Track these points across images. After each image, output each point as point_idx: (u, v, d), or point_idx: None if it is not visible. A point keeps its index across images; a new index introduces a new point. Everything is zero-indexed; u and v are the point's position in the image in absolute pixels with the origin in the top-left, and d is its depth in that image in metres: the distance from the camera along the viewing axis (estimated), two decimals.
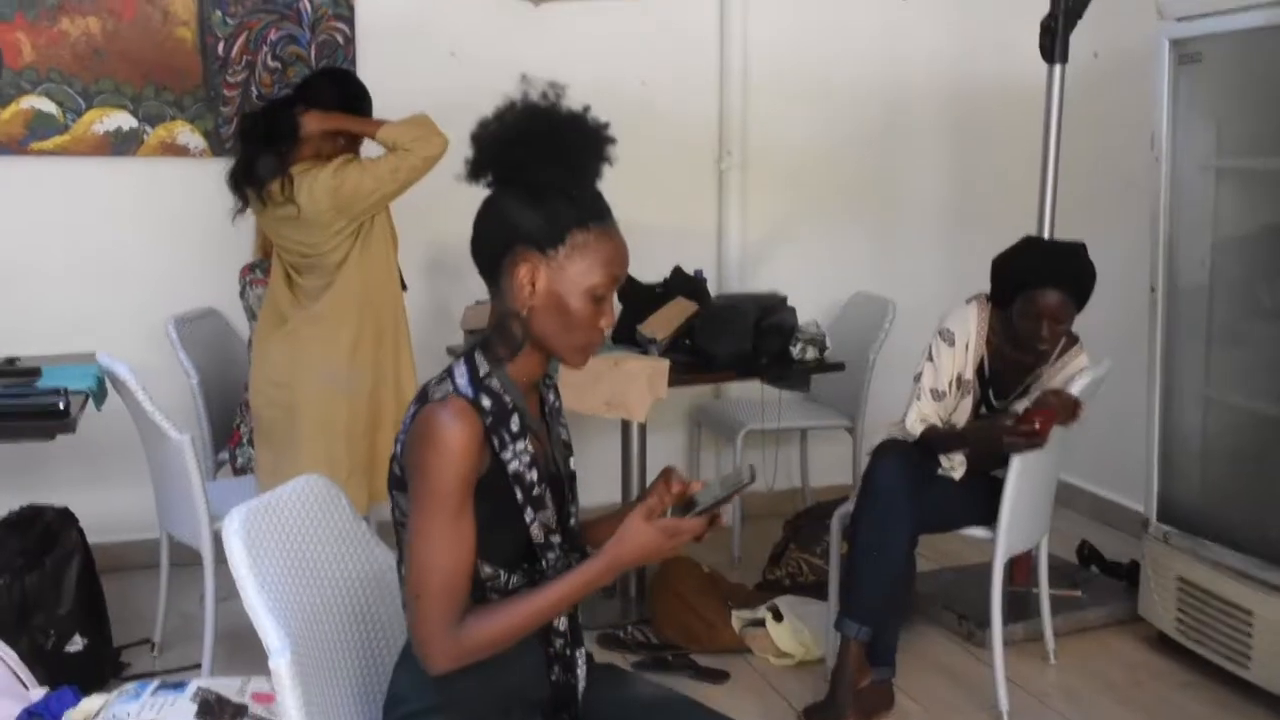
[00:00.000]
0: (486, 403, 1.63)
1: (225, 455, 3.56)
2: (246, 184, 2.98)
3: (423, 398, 1.65)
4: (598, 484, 4.08)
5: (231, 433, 3.56)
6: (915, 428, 3.00)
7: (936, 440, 3.00)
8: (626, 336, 3.65)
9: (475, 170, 1.67)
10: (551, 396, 1.84)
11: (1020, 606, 3.46)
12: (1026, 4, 3.65)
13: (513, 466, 1.65)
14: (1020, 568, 3.57)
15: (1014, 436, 2.79)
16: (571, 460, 1.83)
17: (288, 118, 2.98)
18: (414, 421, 1.62)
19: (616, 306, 3.63)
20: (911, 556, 2.98)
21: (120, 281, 3.86)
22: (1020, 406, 2.99)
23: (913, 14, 4.54)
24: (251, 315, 3.50)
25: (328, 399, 3.03)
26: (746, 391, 4.17)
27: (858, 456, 4.03)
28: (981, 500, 2.98)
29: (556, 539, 1.72)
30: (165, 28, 3.76)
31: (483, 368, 1.67)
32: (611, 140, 1.67)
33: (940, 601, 3.59)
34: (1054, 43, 3.47)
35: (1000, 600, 3.00)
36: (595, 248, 1.64)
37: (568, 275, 1.63)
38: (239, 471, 3.50)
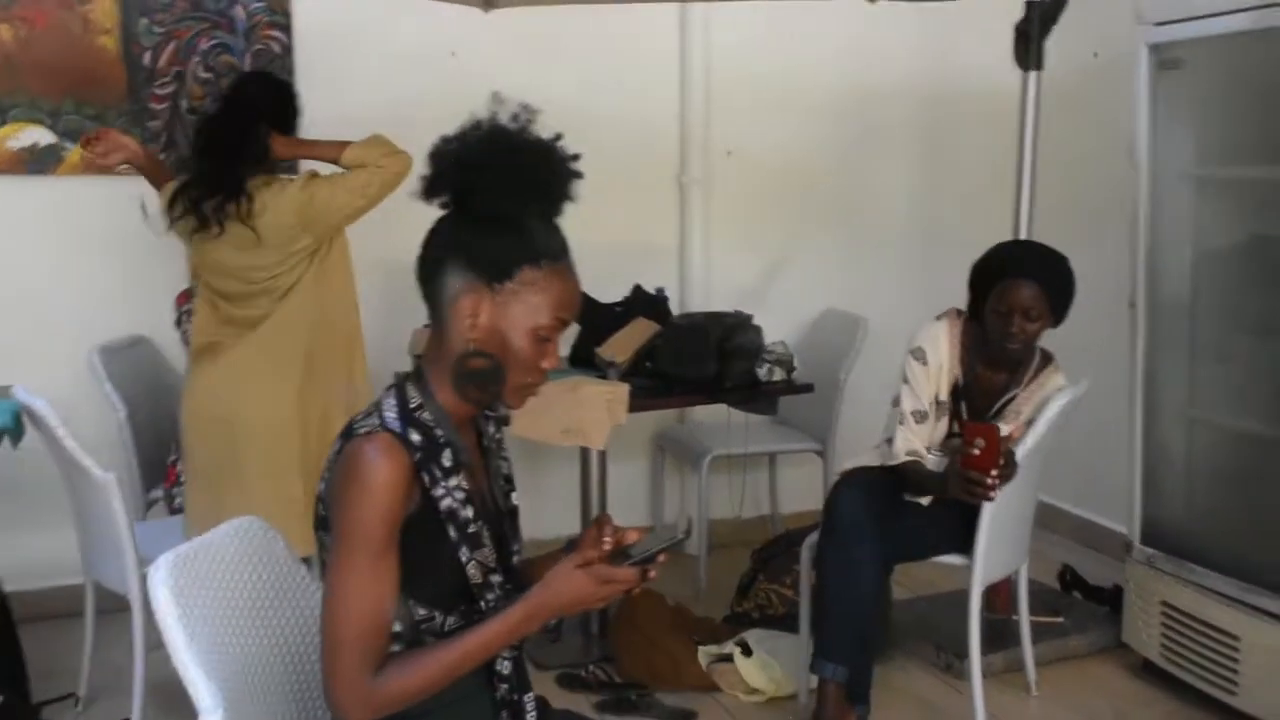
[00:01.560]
0: (415, 437, 1.62)
1: (158, 494, 3.51)
2: (207, 201, 2.93)
3: (348, 432, 1.63)
4: (556, 515, 4.10)
5: (166, 470, 3.50)
6: (901, 456, 3.01)
7: (908, 477, 3.01)
8: (585, 359, 3.64)
9: (431, 189, 1.66)
10: (491, 428, 1.83)
11: (1000, 635, 3.46)
12: (1001, 8, 3.67)
13: (445, 504, 1.63)
14: (999, 595, 3.57)
15: (968, 484, 2.76)
16: (513, 495, 1.83)
17: (254, 137, 2.98)
18: (337, 458, 1.61)
19: (573, 327, 3.69)
20: (884, 587, 2.97)
21: (39, 309, 3.78)
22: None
23: (882, 18, 4.53)
24: (188, 344, 3.43)
25: (277, 433, 2.98)
26: (712, 415, 4.16)
27: (829, 481, 4.01)
28: (955, 525, 2.99)
29: (497, 578, 1.70)
30: (85, 36, 3.69)
31: (414, 399, 1.66)
32: (579, 175, 1.66)
33: (917, 632, 3.59)
34: (1029, 48, 3.49)
35: (978, 630, 3.01)
36: (545, 287, 1.63)
37: (512, 312, 1.63)
38: (175, 511, 3.44)
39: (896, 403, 3.06)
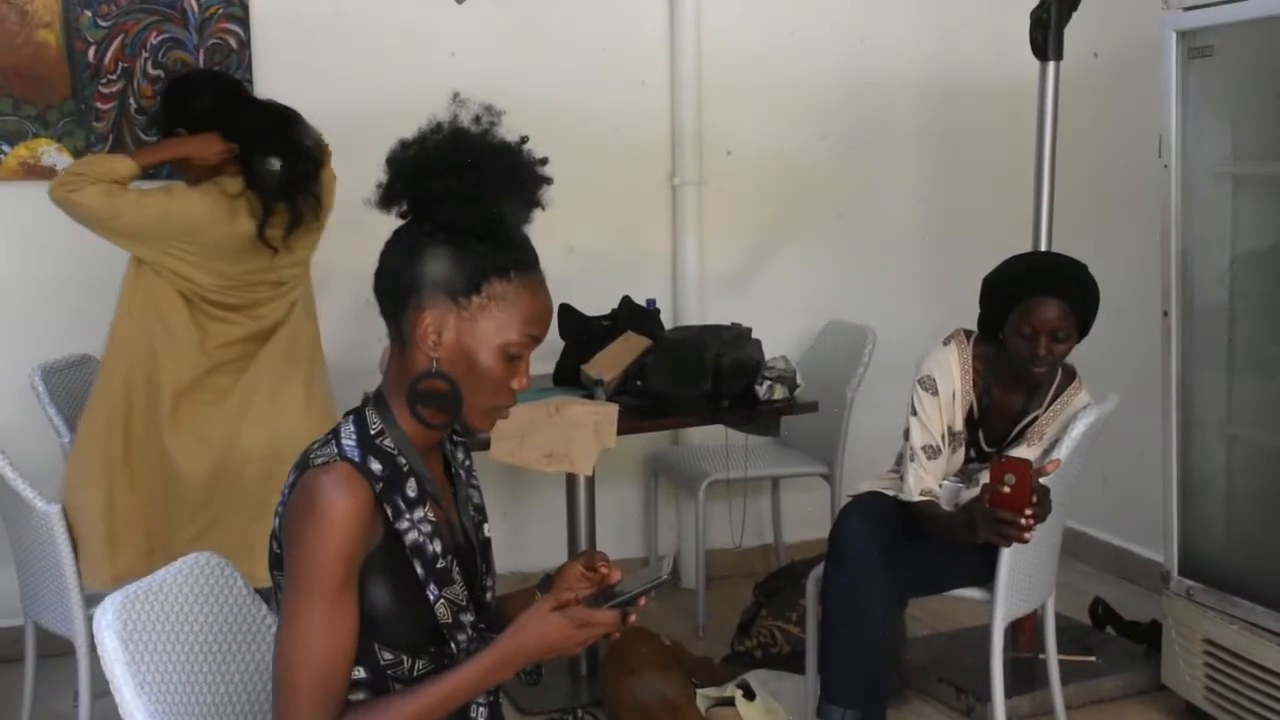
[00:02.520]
0: (376, 466, 1.61)
1: None
2: (296, 193, 3.05)
3: (303, 463, 1.62)
4: (541, 545, 4.11)
5: None
6: (915, 495, 2.99)
7: (923, 520, 2.99)
8: (569, 378, 3.63)
9: (387, 197, 1.66)
10: (460, 454, 1.83)
11: (1026, 676, 3.45)
12: None
13: (410, 538, 1.63)
14: (1025, 631, 3.57)
15: (998, 524, 2.69)
16: (485, 526, 1.82)
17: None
18: (293, 491, 1.61)
19: (557, 343, 3.69)
20: (897, 623, 2.95)
21: None
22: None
23: (887, 7, 4.57)
24: None
25: (273, 461, 3.00)
26: (709, 437, 4.16)
27: (836, 507, 4.02)
28: (974, 556, 2.96)
29: (468, 617, 1.70)
30: (23, 30, 3.68)
31: (374, 425, 1.66)
32: (547, 180, 1.67)
33: (935, 672, 3.58)
34: (1047, 37, 3.49)
35: (1002, 670, 2.99)
36: (514, 301, 1.64)
37: (479, 329, 1.63)
38: None
39: (907, 435, 3.04)
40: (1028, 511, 2.65)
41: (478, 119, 1.65)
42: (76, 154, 3.73)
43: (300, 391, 3.13)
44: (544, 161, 1.67)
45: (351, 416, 1.68)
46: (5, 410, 3.49)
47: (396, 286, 1.64)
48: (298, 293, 3.17)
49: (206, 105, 3.07)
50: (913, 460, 3.00)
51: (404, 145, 1.66)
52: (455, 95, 1.66)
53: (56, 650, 3.05)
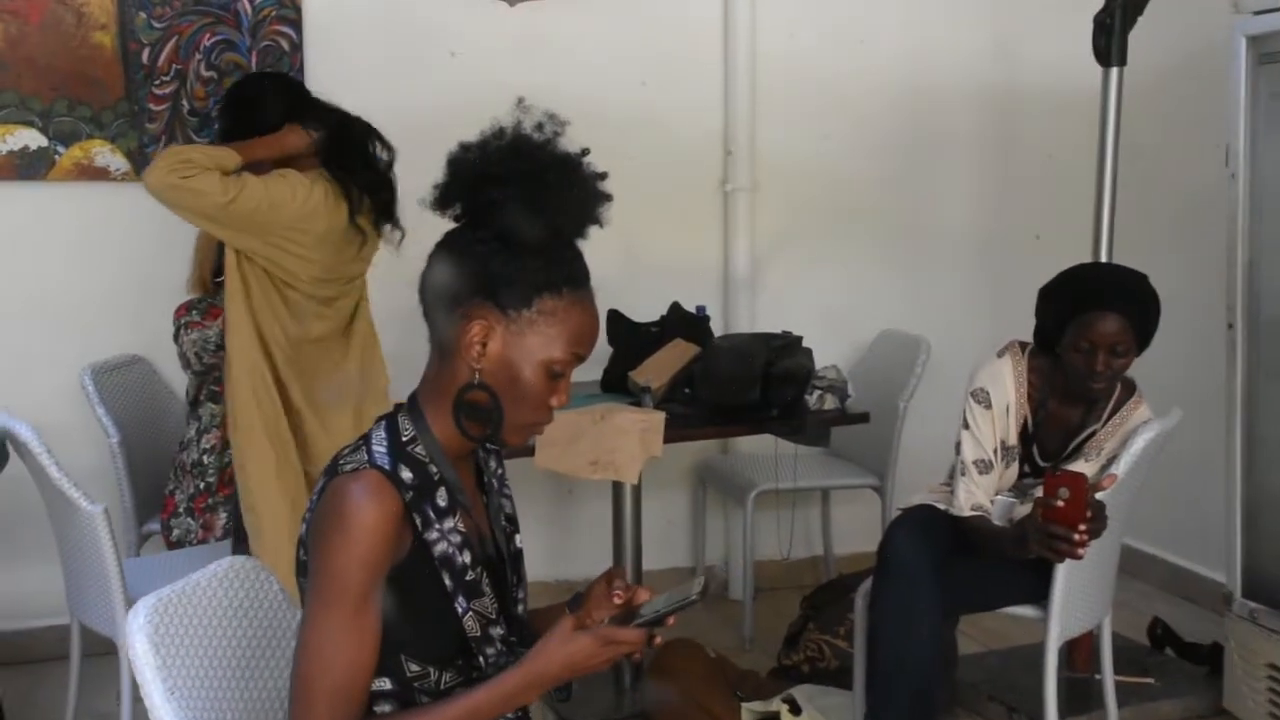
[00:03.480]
0: (407, 475, 1.59)
1: (155, 527, 3.52)
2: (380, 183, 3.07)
3: (332, 469, 1.60)
4: (587, 554, 4.09)
5: (164, 501, 3.50)
6: (965, 511, 2.95)
7: (974, 536, 2.94)
8: (617, 384, 3.62)
9: (444, 199, 1.64)
10: (493, 463, 1.81)
11: (1081, 697, 3.39)
12: None
13: (439, 548, 1.61)
14: (1080, 650, 3.51)
15: (1050, 539, 2.63)
16: (517, 538, 1.79)
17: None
18: (320, 497, 1.58)
19: (605, 349, 3.66)
20: (947, 640, 2.91)
21: (28, 325, 3.79)
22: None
23: (945, 11, 4.53)
24: (186, 363, 3.46)
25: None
26: (758, 446, 4.12)
27: (887, 519, 3.98)
28: (1027, 573, 2.91)
29: (498, 630, 1.67)
30: (79, 32, 3.71)
31: (406, 432, 1.64)
32: (609, 197, 1.64)
33: (986, 690, 3.53)
34: (1110, 42, 3.44)
35: (1055, 691, 2.93)
36: (564, 318, 1.61)
37: (526, 343, 1.60)
38: (174, 545, 3.45)
39: (959, 449, 3.00)
40: (1081, 527, 2.59)
41: (540, 126, 1.62)
42: (129, 156, 3.77)
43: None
44: (603, 176, 1.64)
45: (384, 422, 1.66)
46: (56, 410, 3.50)
47: (444, 292, 1.61)
48: (360, 289, 3.18)
49: (281, 107, 3.05)
50: (964, 475, 2.96)
51: (465, 148, 1.63)
52: (520, 100, 1.63)
53: (102, 649, 3.06)
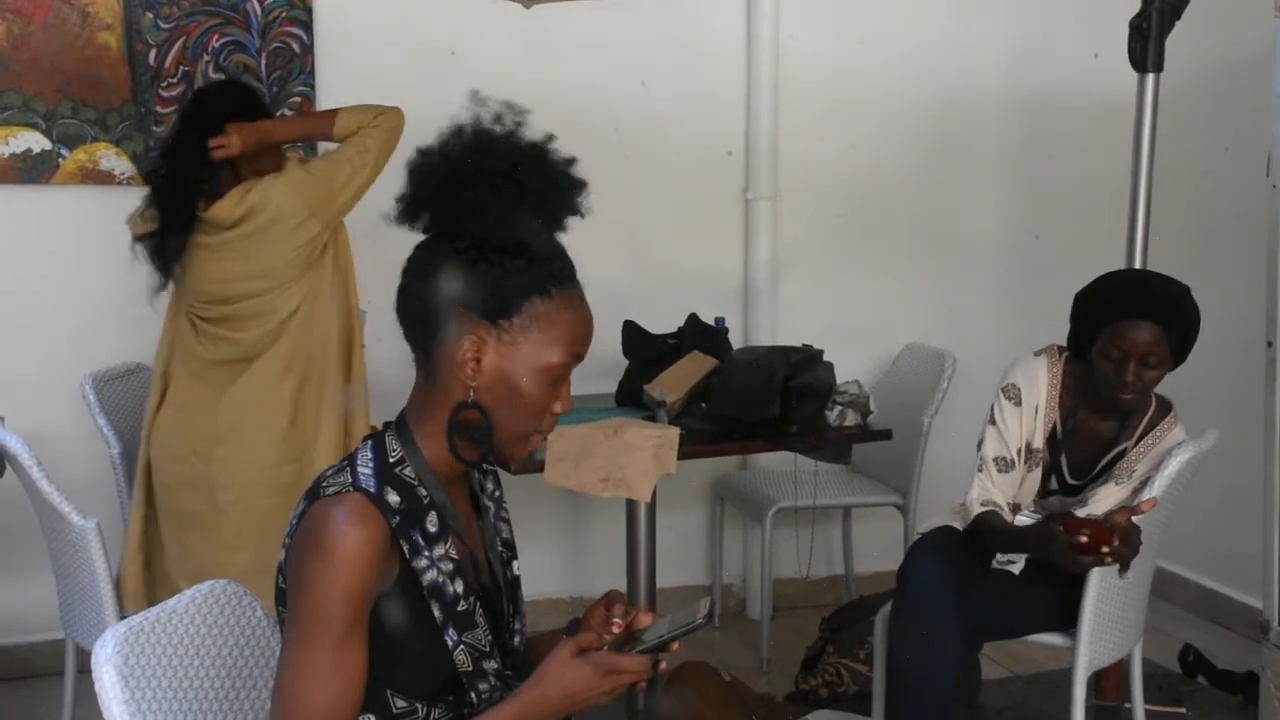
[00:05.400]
0: (393, 498, 1.51)
1: None
2: (183, 225, 2.97)
3: (314, 491, 1.52)
4: (599, 572, 4.02)
5: None
6: (975, 507, 2.87)
7: (987, 533, 2.86)
8: (632, 398, 3.58)
9: (410, 211, 1.56)
10: (490, 484, 1.73)
11: None
12: (1111, 2, 3.56)
13: (428, 577, 1.52)
14: (1109, 678, 3.43)
15: (1076, 554, 2.63)
16: (515, 564, 1.71)
17: (194, 154, 2.98)
18: (300, 521, 1.50)
19: (620, 361, 3.59)
20: (968, 664, 2.85)
21: (30, 331, 3.76)
22: (1097, 495, 2.86)
23: (973, 14, 4.47)
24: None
25: (258, 489, 2.96)
26: (778, 462, 4.06)
27: (909, 539, 3.94)
28: (1054, 599, 2.85)
29: (491, 664, 1.59)
30: (85, 32, 3.67)
31: (394, 453, 1.55)
32: (583, 183, 1.57)
33: (1010, 718, 3.49)
34: (1146, 48, 3.37)
35: None
36: (556, 320, 1.54)
37: (521, 352, 1.53)
38: None
39: (980, 446, 2.93)
40: (1104, 549, 2.59)
41: (499, 119, 1.55)
42: (135, 160, 3.73)
43: None
44: (573, 161, 1.57)
45: (370, 442, 1.57)
46: (56, 419, 3.49)
47: (427, 310, 1.53)
48: None
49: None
50: (981, 470, 2.89)
51: (424, 153, 1.56)
52: (474, 93, 1.57)
53: None
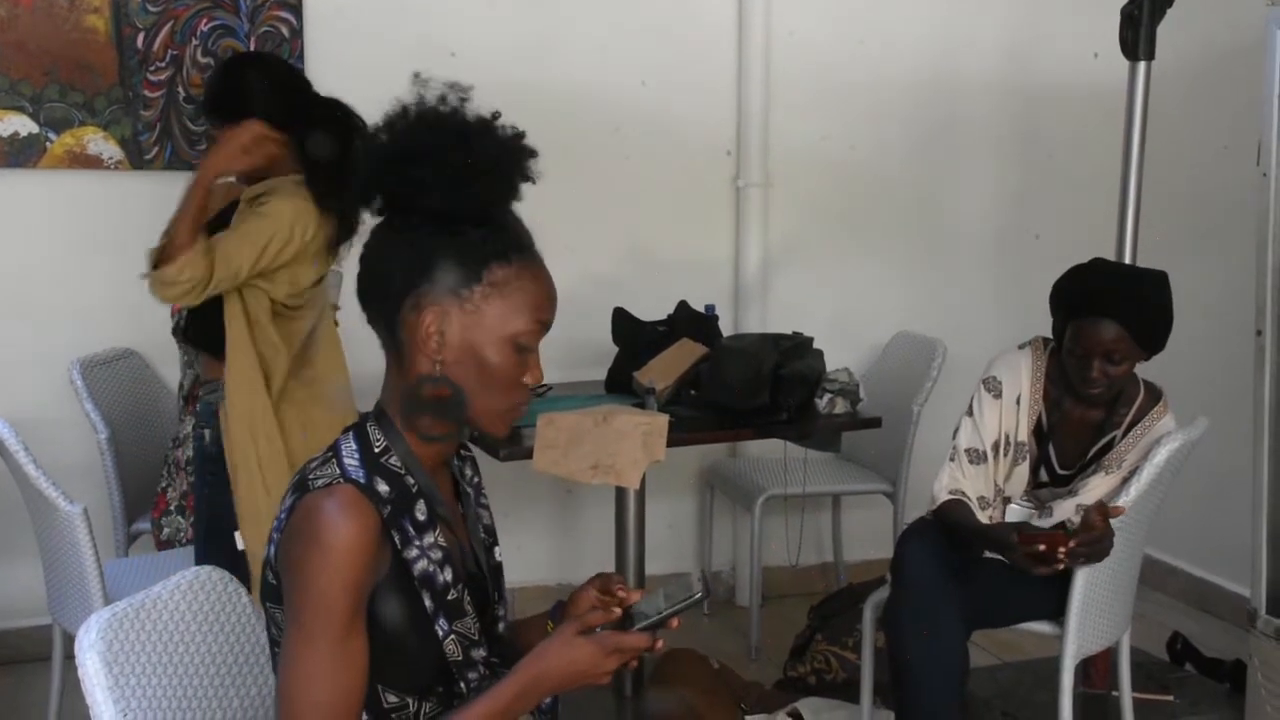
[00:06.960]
0: (383, 488, 1.49)
1: (145, 526, 3.45)
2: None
3: (300, 484, 1.49)
4: (588, 560, 4.01)
5: (155, 498, 3.43)
6: (942, 495, 2.87)
7: (950, 525, 2.85)
8: (621, 385, 3.57)
9: (362, 194, 1.55)
10: (469, 471, 1.71)
11: (1098, 714, 3.35)
12: None
13: (419, 566, 1.51)
14: (1097, 666, 3.46)
15: (1025, 560, 2.62)
16: (497, 550, 1.70)
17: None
18: (290, 516, 1.48)
19: (610, 348, 3.58)
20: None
21: (16, 317, 3.72)
22: (1087, 485, 2.86)
23: (969, 4, 4.47)
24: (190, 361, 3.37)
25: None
26: (767, 450, 4.06)
27: (899, 526, 3.95)
28: (1043, 587, 2.84)
29: (480, 653, 1.58)
30: (72, 15, 3.64)
31: (378, 443, 1.54)
32: (532, 153, 1.55)
33: (999, 706, 3.50)
34: (1138, 35, 3.36)
35: (1071, 709, 2.87)
36: (519, 286, 1.52)
37: (485, 321, 1.51)
38: (163, 545, 3.38)
39: (955, 434, 2.92)
40: (1061, 550, 2.58)
41: (444, 98, 1.53)
42: (123, 144, 3.69)
43: None
44: (522, 134, 1.55)
45: (352, 433, 1.55)
46: (44, 405, 3.48)
47: (387, 289, 1.52)
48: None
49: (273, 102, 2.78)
50: (952, 460, 2.89)
51: (371, 135, 1.56)
52: (415, 75, 1.55)
53: None
